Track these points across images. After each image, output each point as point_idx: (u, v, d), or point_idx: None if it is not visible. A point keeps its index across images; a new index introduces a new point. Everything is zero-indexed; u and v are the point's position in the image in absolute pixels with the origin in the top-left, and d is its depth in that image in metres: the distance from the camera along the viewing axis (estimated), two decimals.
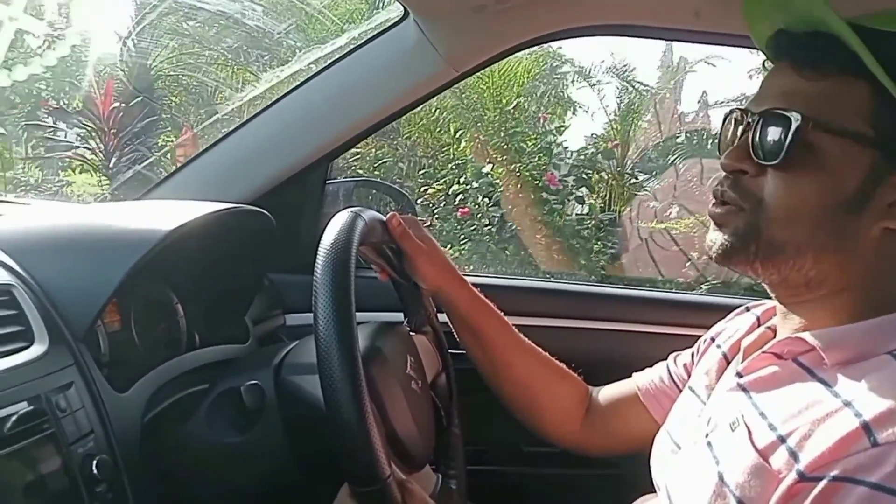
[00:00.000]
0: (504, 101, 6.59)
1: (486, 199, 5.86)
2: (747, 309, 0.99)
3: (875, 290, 0.75)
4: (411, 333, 1.09)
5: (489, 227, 5.79)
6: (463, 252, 5.61)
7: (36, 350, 0.79)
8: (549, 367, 1.18)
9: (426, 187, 6.28)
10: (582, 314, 1.60)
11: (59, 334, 0.83)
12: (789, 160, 0.73)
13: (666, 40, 1.47)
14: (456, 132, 6.58)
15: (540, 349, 1.18)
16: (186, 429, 0.90)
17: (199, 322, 1.16)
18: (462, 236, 5.73)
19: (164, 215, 1.00)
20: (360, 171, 6.40)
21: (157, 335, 1.09)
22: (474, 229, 5.76)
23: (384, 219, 1.04)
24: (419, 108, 6.38)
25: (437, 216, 5.95)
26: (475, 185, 5.90)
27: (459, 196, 5.88)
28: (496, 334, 1.16)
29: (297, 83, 1.46)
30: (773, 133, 0.74)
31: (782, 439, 0.69)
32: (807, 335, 0.75)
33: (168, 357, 1.02)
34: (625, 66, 7.49)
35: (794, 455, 0.67)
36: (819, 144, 0.72)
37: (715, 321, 1.05)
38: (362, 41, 1.44)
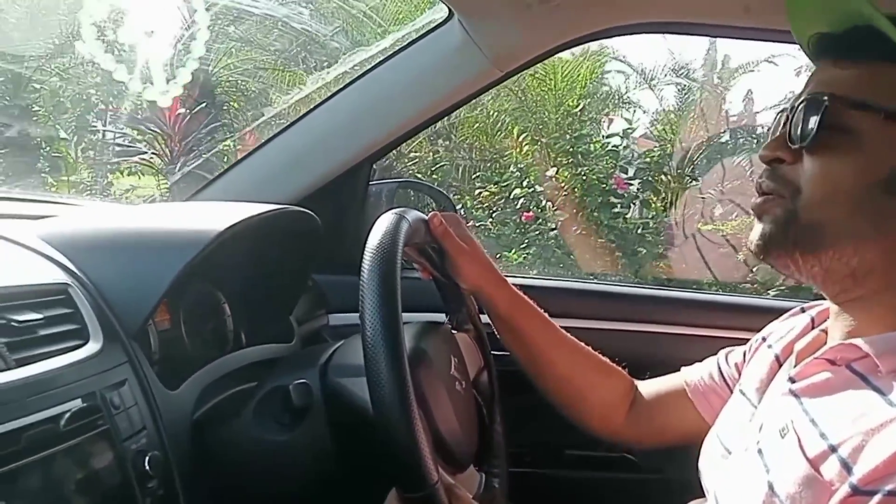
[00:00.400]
0: (568, 103, 6.55)
1: (550, 204, 5.82)
2: (802, 310, 0.97)
3: None
4: (453, 332, 1.09)
5: (554, 231, 5.75)
6: (528, 257, 5.59)
7: (91, 348, 0.81)
8: (593, 363, 1.17)
9: (482, 190, 6.26)
10: (626, 316, 1.59)
11: (113, 333, 0.85)
12: (821, 141, 0.73)
13: (713, 37, 1.45)
14: (519, 135, 6.53)
15: (583, 345, 1.18)
16: (234, 426, 0.92)
17: (246, 321, 1.18)
18: (526, 241, 5.70)
19: (212, 217, 1.02)
20: (418, 175, 6.41)
21: (206, 334, 1.11)
22: (539, 234, 5.73)
23: (426, 218, 1.04)
24: (474, 110, 6.41)
25: (495, 220, 5.94)
26: (538, 189, 5.86)
27: (521, 200, 5.83)
28: (537, 333, 1.15)
29: (343, 85, 1.47)
30: (806, 118, 0.74)
31: (833, 449, 0.67)
32: (860, 341, 0.73)
33: (216, 356, 1.04)
34: (685, 65, 7.40)
35: (846, 466, 0.65)
36: (853, 125, 0.72)
37: (764, 325, 1.03)
38: (407, 42, 1.45)
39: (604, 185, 6.00)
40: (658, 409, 1.12)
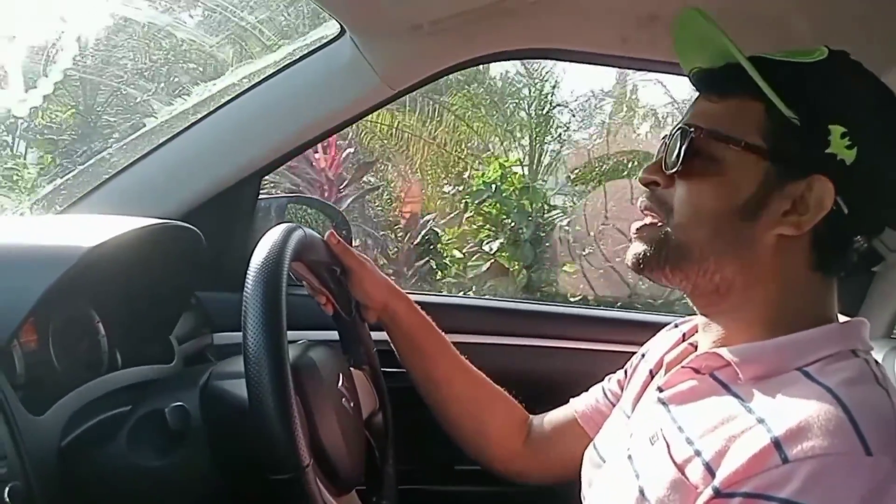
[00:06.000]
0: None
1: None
2: (676, 325, 1.03)
3: (783, 303, 0.79)
4: (351, 368, 1.08)
5: None
6: None
7: None
8: (489, 389, 1.19)
9: None
10: (517, 331, 1.62)
11: None
12: (689, 168, 0.80)
13: (595, 64, 1.53)
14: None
15: (479, 371, 1.19)
16: (107, 453, 0.87)
17: (122, 341, 1.12)
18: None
19: (85, 231, 0.97)
20: None
21: (78, 355, 1.04)
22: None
23: (320, 237, 1.03)
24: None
25: None
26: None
27: None
28: (438, 353, 1.17)
29: (230, 97, 1.44)
30: (677, 145, 0.81)
31: (698, 453, 0.72)
32: (723, 350, 0.79)
33: (88, 378, 0.97)
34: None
35: (710, 470, 0.69)
36: (717, 154, 0.79)
37: (650, 338, 1.08)
38: (297, 57, 1.43)
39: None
40: (555, 440, 1.14)
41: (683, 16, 0.83)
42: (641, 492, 0.75)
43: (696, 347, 0.89)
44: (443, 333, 1.19)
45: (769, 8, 1.19)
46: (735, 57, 0.78)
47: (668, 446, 0.76)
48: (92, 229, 0.96)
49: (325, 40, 1.41)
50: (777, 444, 0.65)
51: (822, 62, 0.79)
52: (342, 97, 1.42)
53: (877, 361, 0.78)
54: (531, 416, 1.20)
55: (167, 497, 0.87)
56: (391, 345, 1.19)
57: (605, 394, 1.11)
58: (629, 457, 0.82)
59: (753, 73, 0.76)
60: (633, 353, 1.09)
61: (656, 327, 1.07)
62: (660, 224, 0.83)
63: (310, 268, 1.07)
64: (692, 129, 0.80)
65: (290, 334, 0.78)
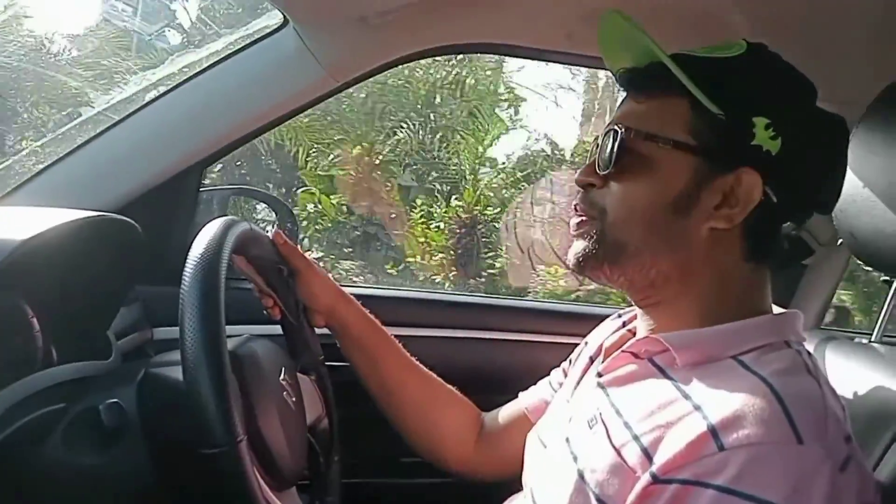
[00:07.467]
0: None
1: None
2: (619, 316, 1.05)
3: (718, 294, 0.82)
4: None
5: None
6: None
7: None
8: (442, 389, 1.20)
9: None
10: (462, 324, 1.62)
11: None
12: (621, 167, 0.82)
13: (542, 61, 1.54)
14: None
15: (430, 371, 1.20)
16: (41, 451, 0.84)
17: (58, 337, 1.09)
18: None
19: (17, 223, 0.93)
20: None
21: (11, 351, 1.00)
22: None
23: (265, 234, 1.02)
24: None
25: None
26: None
27: None
28: (388, 354, 1.17)
29: (170, 87, 1.40)
30: (608, 147, 0.82)
31: (636, 438, 0.73)
32: (661, 336, 0.81)
33: (22, 374, 0.94)
34: None
35: (647, 455, 0.71)
36: (646, 153, 0.81)
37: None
38: (239, 47, 1.40)
39: None
40: (506, 437, 1.15)
41: (605, 17, 0.85)
42: (581, 475, 0.77)
43: (634, 334, 0.91)
44: (391, 335, 1.19)
45: (705, 4, 1.22)
46: (658, 56, 0.80)
47: (606, 429, 0.78)
48: (23, 222, 0.93)
49: (267, 30, 1.39)
50: (713, 431, 0.67)
51: (742, 56, 0.82)
52: (286, 88, 1.40)
53: (809, 352, 0.81)
54: (483, 413, 1.21)
55: (103, 495, 0.85)
56: (339, 347, 1.18)
57: (551, 386, 1.12)
58: (566, 439, 0.84)
59: (676, 71, 0.78)
60: (577, 344, 1.11)
61: (602, 319, 1.09)
62: (595, 220, 0.84)
63: (255, 267, 1.05)
64: (622, 130, 0.82)
65: (232, 329, 0.77)
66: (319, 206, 6.39)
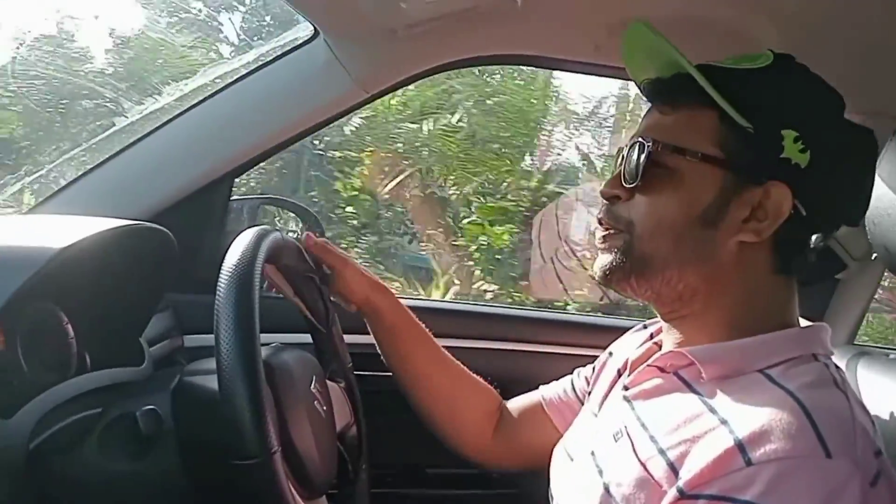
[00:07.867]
0: None
1: None
2: (644, 326, 1.04)
3: (746, 307, 0.81)
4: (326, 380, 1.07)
5: None
6: None
7: None
8: (467, 379, 1.20)
9: None
10: (491, 335, 1.63)
11: None
12: (648, 180, 0.81)
13: (568, 71, 1.54)
14: None
15: (457, 361, 1.20)
16: (76, 456, 0.86)
17: (92, 344, 1.11)
18: None
19: (54, 232, 0.95)
20: None
21: (46, 357, 1.02)
22: None
23: (296, 241, 1.03)
24: None
25: None
26: None
27: None
28: (419, 344, 1.17)
29: (203, 97, 1.43)
30: (634, 159, 0.81)
31: (661, 452, 0.73)
32: (686, 350, 0.80)
33: (57, 380, 0.96)
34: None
35: (674, 470, 0.71)
36: (673, 166, 0.80)
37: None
38: (271, 58, 1.43)
39: None
40: (520, 425, 1.16)
41: (631, 28, 0.84)
42: (607, 489, 0.76)
43: (660, 347, 0.91)
44: (425, 329, 1.19)
45: (729, 14, 1.21)
46: (684, 67, 0.79)
47: (632, 443, 0.77)
48: (60, 231, 0.95)
49: (298, 42, 1.40)
50: (741, 446, 0.67)
51: (769, 67, 0.81)
52: (315, 99, 1.42)
53: (837, 366, 0.80)
54: (503, 401, 1.21)
55: (139, 501, 0.86)
56: (372, 337, 1.19)
57: (572, 387, 1.12)
58: (592, 452, 0.83)
59: (705, 84, 0.77)
60: (598, 355, 1.10)
61: (626, 331, 1.09)
62: (622, 233, 0.83)
63: (284, 276, 1.06)
64: (649, 143, 0.81)
65: (263, 337, 0.78)
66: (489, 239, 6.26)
